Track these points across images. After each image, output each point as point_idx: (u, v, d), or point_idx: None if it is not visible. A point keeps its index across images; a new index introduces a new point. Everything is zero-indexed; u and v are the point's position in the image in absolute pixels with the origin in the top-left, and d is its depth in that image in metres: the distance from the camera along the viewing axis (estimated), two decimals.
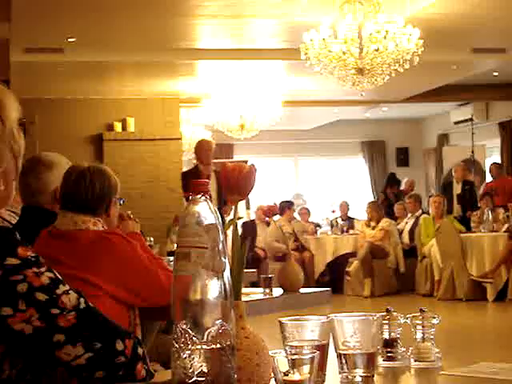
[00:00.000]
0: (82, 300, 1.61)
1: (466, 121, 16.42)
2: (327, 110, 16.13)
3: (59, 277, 1.61)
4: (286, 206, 13.21)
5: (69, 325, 1.56)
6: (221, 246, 1.46)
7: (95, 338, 1.59)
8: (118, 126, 13.36)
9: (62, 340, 1.55)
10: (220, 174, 1.68)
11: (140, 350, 1.66)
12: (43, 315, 1.54)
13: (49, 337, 1.55)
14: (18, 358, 1.59)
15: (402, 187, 15.72)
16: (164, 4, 8.61)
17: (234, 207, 1.68)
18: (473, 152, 16.00)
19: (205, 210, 1.48)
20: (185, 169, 12.08)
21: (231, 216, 1.67)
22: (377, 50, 8.00)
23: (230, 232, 1.62)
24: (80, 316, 1.58)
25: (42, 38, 9.74)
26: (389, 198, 14.82)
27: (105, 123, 13.41)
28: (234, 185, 1.64)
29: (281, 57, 11.09)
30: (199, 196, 1.49)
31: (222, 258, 1.46)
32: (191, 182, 1.51)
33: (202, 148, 9.83)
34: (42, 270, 1.58)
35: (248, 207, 14.65)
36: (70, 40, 9.80)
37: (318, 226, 14.95)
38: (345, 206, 14.81)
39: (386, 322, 1.99)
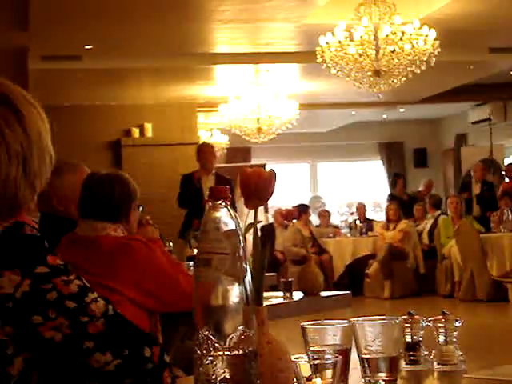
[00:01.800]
0: (109, 307, 1.61)
1: (483, 121, 16.36)
2: (344, 112, 16.11)
3: (87, 284, 1.61)
4: (303, 210, 13.19)
5: (97, 331, 1.57)
6: (241, 252, 1.46)
7: (123, 345, 1.59)
8: (135, 132, 13.40)
9: (91, 347, 1.56)
10: (239, 178, 1.67)
11: (166, 357, 1.66)
12: (73, 323, 1.55)
13: (79, 344, 1.55)
14: (47, 369, 1.59)
15: (421, 188, 15.65)
16: (180, 10, 8.63)
17: (254, 211, 1.68)
18: (491, 152, 15.93)
19: (225, 216, 1.48)
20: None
21: (251, 220, 1.66)
22: (393, 52, 7.99)
23: (248, 236, 1.62)
24: (108, 323, 1.59)
25: (59, 45, 9.79)
26: (400, 198, 14.69)
27: (123, 129, 13.46)
28: (253, 190, 1.64)
29: (297, 60, 11.10)
30: (219, 202, 1.49)
31: (243, 264, 1.46)
32: (212, 188, 1.51)
33: (200, 152, 9.56)
34: (71, 278, 1.58)
35: (266, 211, 14.65)
36: (87, 47, 9.84)
37: (337, 227, 14.92)
38: (363, 208, 14.77)
39: (408, 325, 1.99)
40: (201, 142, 10.10)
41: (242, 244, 1.47)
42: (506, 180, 14.06)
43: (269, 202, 1.71)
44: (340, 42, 8.03)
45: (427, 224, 13.09)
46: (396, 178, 15.83)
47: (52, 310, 1.54)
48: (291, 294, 5.96)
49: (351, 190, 19.09)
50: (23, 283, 1.53)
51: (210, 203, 1.49)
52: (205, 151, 9.49)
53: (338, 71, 8.25)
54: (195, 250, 6.12)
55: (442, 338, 2.00)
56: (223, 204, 1.49)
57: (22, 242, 1.56)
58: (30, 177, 1.64)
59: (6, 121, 1.62)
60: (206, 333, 1.41)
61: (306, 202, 15.08)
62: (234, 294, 1.44)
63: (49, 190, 3.64)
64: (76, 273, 1.61)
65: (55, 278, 1.56)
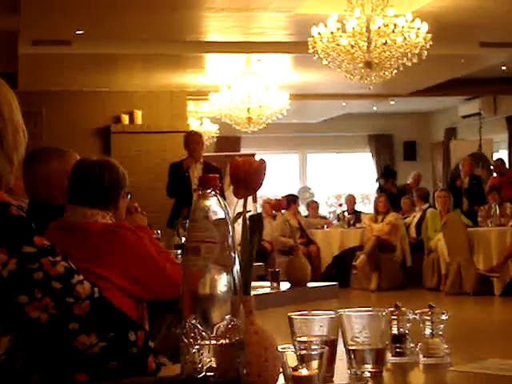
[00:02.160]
0: (95, 289, 1.62)
1: (473, 115, 16.40)
2: (335, 103, 16.11)
3: (73, 266, 1.62)
4: (292, 200, 13.20)
5: (83, 313, 1.57)
6: (230, 241, 1.46)
7: (109, 328, 1.60)
8: (125, 119, 13.36)
9: (76, 328, 1.56)
10: (229, 167, 1.67)
11: (151, 343, 1.67)
12: (59, 303, 1.55)
13: (64, 325, 1.56)
14: (32, 349, 1.59)
15: (409, 181, 15.68)
16: None
17: (243, 200, 1.67)
18: (480, 146, 15.98)
19: (214, 205, 1.48)
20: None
21: (239, 209, 1.66)
22: (385, 44, 7.99)
23: (237, 225, 1.61)
24: (94, 305, 1.59)
25: (50, 30, 9.74)
26: (389, 191, 14.74)
27: (112, 116, 13.42)
28: (243, 179, 1.64)
29: (289, 50, 11.08)
30: (209, 190, 1.48)
31: (232, 253, 1.45)
32: (202, 176, 1.51)
33: (188, 140, 9.43)
34: (58, 258, 1.59)
35: (255, 200, 14.65)
36: (77, 32, 9.80)
37: (326, 218, 14.94)
38: (351, 200, 14.79)
39: (395, 317, 1.99)
40: (189, 131, 9.98)
41: (230, 233, 1.46)
42: (495, 175, 14.11)
43: (258, 192, 1.71)
44: (332, 32, 8.02)
45: (415, 217, 13.12)
46: (387, 173, 15.93)
47: (38, 290, 1.54)
48: (278, 285, 5.96)
49: (340, 182, 19.12)
50: (10, 262, 1.53)
51: (200, 192, 1.49)
52: (193, 140, 9.39)
53: (329, 62, 8.24)
54: (183, 239, 6.12)
55: (428, 331, 2.01)
56: (213, 193, 1.48)
57: (8, 221, 1.57)
58: (6, 150, 1.66)
59: None
60: (193, 321, 1.41)
61: (295, 193, 15.10)
62: (222, 282, 1.43)
63: (35, 176, 3.63)
64: (62, 255, 1.61)
65: (42, 257, 1.56)
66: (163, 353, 3.07)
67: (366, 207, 17.33)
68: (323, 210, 16.33)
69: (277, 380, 1.59)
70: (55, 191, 3.60)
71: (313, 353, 1.51)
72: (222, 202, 1.48)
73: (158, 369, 1.70)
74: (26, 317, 1.54)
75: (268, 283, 5.96)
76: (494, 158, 15.50)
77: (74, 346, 1.57)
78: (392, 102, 16.50)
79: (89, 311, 1.58)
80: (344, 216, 14.06)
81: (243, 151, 17.56)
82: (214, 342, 1.41)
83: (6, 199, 1.60)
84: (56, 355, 1.61)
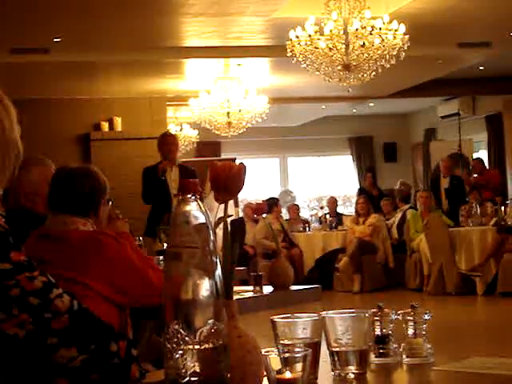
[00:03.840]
0: (75, 302, 1.60)
1: (452, 115, 16.47)
2: (314, 106, 16.14)
3: (52, 280, 1.60)
4: (273, 204, 13.21)
5: (62, 327, 1.56)
6: (211, 246, 1.46)
7: (89, 340, 1.58)
8: (105, 126, 13.34)
9: (55, 343, 1.55)
10: (209, 172, 1.67)
11: (134, 351, 1.66)
12: (36, 319, 1.54)
13: (42, 340, 1.54)
14: (9, 364, 1.58)
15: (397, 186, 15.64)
16: (149, 3, 8.60)
17: (224, 205, 1.67)
18: (460, 146, 16.05)
19: (195, 210, 1.48)
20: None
21: (221, 214, 1.66)
22: (363, 46, 8.01)
23: (218, 230, 1.61)
24: (73, 318, 1.58)
25: (27, 38, 9.70)
26: (369, 193, 14.72)
27: (92, 123, 13.39)
28: (223, 183, 1.64)
29: (267, 54, 11.09)
30: (189, 196, 1.48)
31: (213, 258, 1.45)
32: (180, 181, 1.51)
33: (163, 142, 9.12)
34: (35, 274, 1.57)
35: (236, 205, 14.64)
36: (55, 40, 9.76)
37: (307, 222, 14.95)
38: (333, 202, 14.80)
39: (378, 318, 2.00)
40: (162, 133, 9.69)
41: (211, 238, 1.46)
42: (475, 175, 14.17)
43: (239, 196, 1.71)
44: (310, 35, 8.03)
45: (396, 218, 13.16)
46: (366, 171, 15.92)
47: (15, 307, 1.52)
48: (261, 288, 5.95)
49: (321, 185, 19.15)
50: None
51: (180, 197, 1.49)
52: (167, 142, 9.10)
53: (307, 65, 8.26)
54: (165, 245, 6.10)
55: (410, 331, 2.01)
56: (193, 198, 1.48)
57: None
58: None
59: None
60: (176, 327, 1.41)
61: (277, 196, 15.10)
62: (204, 287, 1.43)
63: (16, 185, 3.61)
64: (41, 269, 1.59)
65: (18, 274, 1.54)
66: (147, 359, 3.07)
67: (347, 209, 17.37)
68: (305, 213, 16.35)
69: (261, 383, 1.59)
70: (35, 200, 3.59)
71: (296, 355, 1.51)
72: (202, 207, 1.48)
73: (143, 376, 1.69)
74: (2, 333, 1.52)
75: (251, 287, 5.96)
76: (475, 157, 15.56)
77: (53, 360, 1.55)
78: (371, 104, 16.56)
79: (68, 325, 1.56)
80: (326, 219, 14.08)
81: (224, 156, 17.55)
82: (197, 346, 1.41)
83: None
84: (38, 370, 1.59)
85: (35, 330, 1.53)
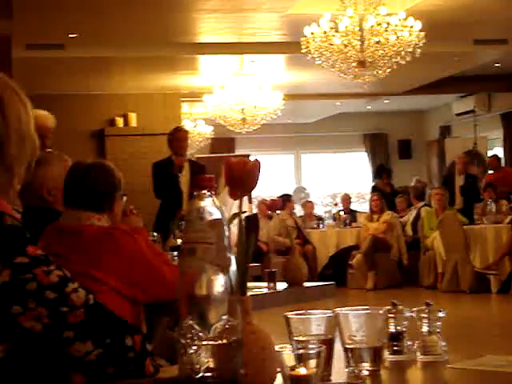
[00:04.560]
0: (90, 297, 1.61)
1: (467, 112, 16.41)
2: (329, 103, 16.12)
3: (68, 275, 1.61)
4: (287, 200, 13.21)
5: (78, 321, 1.57)
6: (226, 242, 1.46)
7: (104, 334, 1.59)
8: (119, 121, 13.37)
9: (71, 336, 1.56)
10: (224, 169, 1.67)
11: (148, 346, 1.67)
12: (52, 313, 1.54)
13: (59, 334, 1.55)
14: (28, 357, 1.59)
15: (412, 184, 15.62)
16: None
17: (239, 201, 1.67)
18: (475, 144, 15.99)
19: (210, 206, 1.47)
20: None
21: (235, 210, 1.66)
22: (378, 43, 7.99)
23: (232, 226, 1.61)
24: (89, 312, 1.59)
25: (43, 34, 9.74)
26: (383, 191, 14.69)
27: (107, 118, 13.42)
28: (237, 180, 1.64)
29: (282, 50, 11.08)
30: (204, 191, 1.48)
31: (227, 254, 1.45)
32: (195, 177, 1.51)
33: (176, 138, 9.08)
34: (52, 268, 1.58)
35: (250, 201, 14.64)
36: (71, 36, 9.79)
37: (321, 219, 14.93)
38: (347, 199, 14.78)
39: (392, 315, 1.99)
40: (173, 128, 9.52)
41: (226, 234, 1.46)
42: (490, 172, 14.11)
43: (253, 192, 1.71)
44: (325, 32, 8.03)
45: (411, 215, 13.13)
46: (380, 171, 15.89)
47: (32, 300, 1.53)
48: (275, 285, 5.97)
49: (335, 181, 19.12)
50: (3, 273, 1.52)
51: (195, 192, 1.49)
52: (180, 138, 9.06)
53: (323, 62, 8.25)
54: (179, 240, 6.11)
55: (425, 329, 2.01)
56: (208, 193, 1.48)
57: (1, 232, 1.56)
58: (6, 160, 1.64)
59: None
60: (190, 322, 1.41)
61: (291, 193, 15.09)
62: (219, 283, 1.43)
63: (37, 180, 3.62)
64: (57, 263, 1.60)
65: (35, 268, 1.55)
66: (161, 355, 3.07)
67: (361, 206, 17.34)
68: (319, 210, 16.32)
69: (275, 380, 1.59)
70: (57, 195, 3.59)
71: (310, 352, 1.51)
72: (217, 203, 1.48)
73: (157, 371, 1.70)
74: (19, 327, 1.53)
75: (265, 284, 5.97)
76: (490, 155, 15.49)
77: (69, 353, 1.56)
78: (386, 101, 16.51)
79: (84, 319, 1.57)
80: (340, 216, 14.06)
81: (238, 152, 17.57)
82: (211, 342, 1.41)
83: (1, 209, 1.59)
84: (54, 364, 1.60)
85: (51, 324, 1.54)
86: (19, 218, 1.61)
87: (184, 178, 8.84)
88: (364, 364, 1.79)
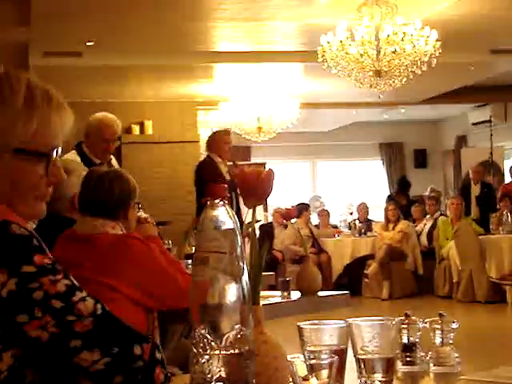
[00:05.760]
0: (98, 306, 1.61)
1: (484, 122, 16.35)
2: (345, 111, 16.10)
3: (76, 284, 1.61)
4: (303, 209, 13.20)
5: (85, 330, 1.57)
6: (239, 251, 1.46)
7: (112, 343, 1.59)
8: (136, 129, 13.40)
9: (78, 345, 1.56)
10: (237, 178, 1.67)
11: (158, 355, 1.66)
12: (59, 322, 1.55)
13: (65, 343, 1.56)
14: (39, 366, 1.59)
15: (427, 193, 15.57)
16: (182, 8, 8.62)
17: (252, 211, 1.68)
18: (491, 153, 15.93)
19: (223, 215, 1.48)
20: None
21: (249, 219, 1.67)
22: (394, 52, 7.98)
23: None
24: (96, 322, 1.59)
25: (60, 41, 9.77)
26: (398, 200, 14.65)
27: (123, 126, 13.42)
28: (251, 189, 1.64)
29: (298, 59, 11.08)
30: (217, 200, 1.49)
31: (240, 263, 1.46)
32: (210, 185, 1.51)
33: (220, 140, 8.87)
34: (59, 277, 1.58)
35: (266, 210, 14.64)
36: (88, 44, 9.83)
37: (336, 227, 14.92)
38: (364, 208, 14.76)
39: (405, 326, 1.99)
40: (216, 131, 9.37)
41: (239, 243, 1.47)
42: (507, 181, 14.05)
43: (268, 201, 1.71)
44: (341, 41, 8.02)
45: (426, 225, 13.09)
46: (403, 184, 15.94)
47: (38, 309, 1.54)
48: (289, 294, 5.95)
49: (351, 190, 19.08)
50: (9, 282, 1.53)
51: (208, 201, 1.49)
52: (223, 140, 8.88)
53: (338, 71, 8.25)
54: (194, 248, 6.11)
55: (438, 340, 2.00)
56: (221, 203, 1.49)
57: (8, 241, 1.56)
58: None
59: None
60: (203, 331, 1.41)
61: (306, 202, 15.08)
62: (231, 292, 1.44)
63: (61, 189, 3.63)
64: (66, 271, 1.61)
65: (42, 277, 1.55)
66: (175, 362, 3.07)
67: (376, 215, 17.29)
68: (334, 219, 16.30)
69: None
70: (67, 204, 3.60)
71: (322, 362, 1.51)
72: (230, 212, 1.49)
73: (168, 379, 1.70)
74: (25, 336, 1.54)
75: (278, 293, 5.95)
76: (507, 165, 15.42)
77: (76, 362, 1.57)
78: (402, 110, 16.48)
79: (91, 328, 1.57)
80: (355, 225, 14.04)
81: (254, 160, 17.57)
82: (223, 351, 1.41)
83: (7, 217, 1.60)
84: (64, 372, 1.61)
85: (58, 333, 1.55)
86: (29, 227, 1.62)
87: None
88: (376, 375, 1.79)
